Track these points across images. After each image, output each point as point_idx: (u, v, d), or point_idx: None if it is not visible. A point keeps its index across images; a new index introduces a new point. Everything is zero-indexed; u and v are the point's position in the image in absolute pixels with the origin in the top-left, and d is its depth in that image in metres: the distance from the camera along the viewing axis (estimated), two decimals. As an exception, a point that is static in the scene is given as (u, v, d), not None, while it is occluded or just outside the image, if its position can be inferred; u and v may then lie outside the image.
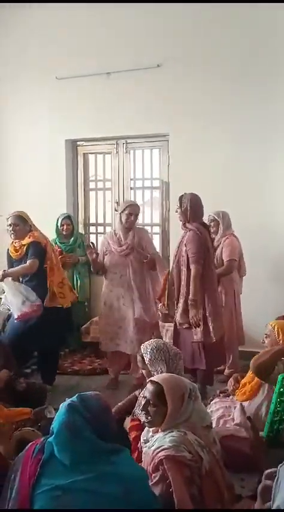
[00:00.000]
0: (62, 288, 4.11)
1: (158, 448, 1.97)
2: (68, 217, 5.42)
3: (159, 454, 1.93)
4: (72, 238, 5.37)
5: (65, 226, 5.33)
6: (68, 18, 5.53)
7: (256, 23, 4.82)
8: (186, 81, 5.14)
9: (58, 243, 5.26)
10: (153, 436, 2.11)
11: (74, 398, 1.73)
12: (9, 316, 4.31)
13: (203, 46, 5.05)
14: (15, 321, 3.99)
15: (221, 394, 3.38)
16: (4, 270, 4.03)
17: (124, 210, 4.27)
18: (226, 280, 4.32)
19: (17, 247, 4.05)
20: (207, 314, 3.77)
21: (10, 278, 4.07)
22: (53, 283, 4.04)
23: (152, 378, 2.21)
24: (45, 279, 4.02)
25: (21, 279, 4.11)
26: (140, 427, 2.49)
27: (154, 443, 2.03)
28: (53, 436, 1.66)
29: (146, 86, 5.30)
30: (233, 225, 4.51)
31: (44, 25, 5.66)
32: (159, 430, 2.08)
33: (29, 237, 4.00)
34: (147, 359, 2.64)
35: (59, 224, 5.33)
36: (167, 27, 5.16)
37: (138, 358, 2.76)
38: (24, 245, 4.00)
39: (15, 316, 3.93)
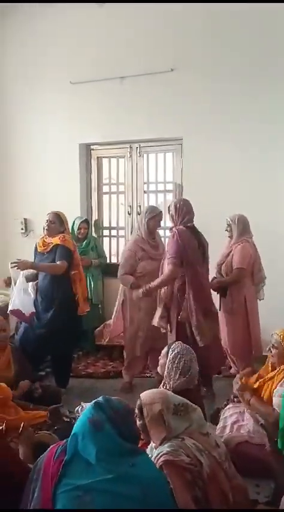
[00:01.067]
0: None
1: (158, 454, 1.99)
2: (85, 220, 5.45)
3: (159, 460, 1.95)
4: (85, 241, 5.38)
5: (82, 230, 5.34)
6: (82, 23, 5.58)
7: (269, 27, 4.82)
8: (199, 85, 5.15)
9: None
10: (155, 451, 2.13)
11: (100, 398, 1.76)
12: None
13: (216, 50, 5.06)
14: (27, 327, 4.10)
15: (235, 399, 3.37)
16: (33, 262, 4.11)
17: (153, 216, 4.27)
18: (234, 287, 4.21)
19: (46, 242, 4.14)
20: (185, 317, 3.74)
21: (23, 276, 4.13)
22: (80, 291, 4.17)
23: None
24: (69, 285, 4.10)
25: (38, 279, 4.16)
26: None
27: (154, 453, 2.05)
28: (77, 430, 1.68)
29: (160, 90, 5.32)
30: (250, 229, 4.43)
31: (59, 31, 5.71)
32: (159, 444, 2.08)
33: (60, 239, 4.08)
34: (169, 356, 2.73)
35: (75, 227, 5.30)
36: (180, 32, 5.18)
37: (166, 348, 2.83)
38: (52, 243, 4.08)
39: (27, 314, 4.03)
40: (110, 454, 1.62)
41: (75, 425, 1.75)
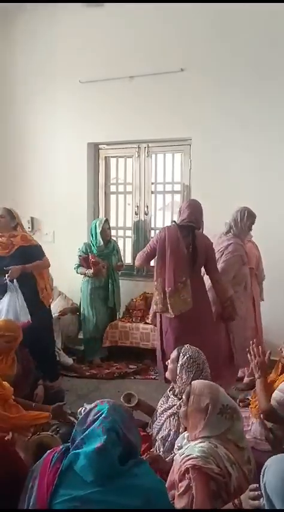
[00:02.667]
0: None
1: (187, 456, 1.94)
2: (107, 221, 5.30)
3: (187, 463, 1.90)
4: (109, 244, 5.24)
5: (107, 231, 5.18)
6: (91, 23, 5.55)
7: (279, 27, 4.75)
8: (209, 86, 5.10)
9: (94, 249, 5.13)
10: (187, 444, 2.07)
11: (112, 415, 1.66)
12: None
13: (226, 50, 5.00)
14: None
15: (241, 404, 3.31)
16: (23, 266, 3.97)
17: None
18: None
19: (5, 244, 4.00)
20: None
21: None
22: (46, 283, 4.26)
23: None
24: (33, 281, 4.12)
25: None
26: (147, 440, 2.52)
27: (185, 451, 2.00)
28: (79, 447, 1.62)
29: (169, 90, 5.27)
30: (256, 229, 4.41)
31: (69, 30, 5.69)
32: (193, 438, 2.05)
33: (22, 239, 4.03)
34: (181, 360, 2.67)
35: (98, 230, 5.09)
36: (191, 31, 5.13)
37: (175, 353, 2.75)
38: (14, 245, 3.99)
39: (25, 320, 3.92)
40: (112, 475, 1.57)
41: (72, 437, 1.69)
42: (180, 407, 2.59)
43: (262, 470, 1.61)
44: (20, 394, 3.17)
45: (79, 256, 5.11)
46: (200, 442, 1.98)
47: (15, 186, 6.13)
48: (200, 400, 2.04)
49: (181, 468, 1.92)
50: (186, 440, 2.11)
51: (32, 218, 6.06)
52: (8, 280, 3.91)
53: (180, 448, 2.14)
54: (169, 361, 2.80)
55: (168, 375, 2.82)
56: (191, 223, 3.75)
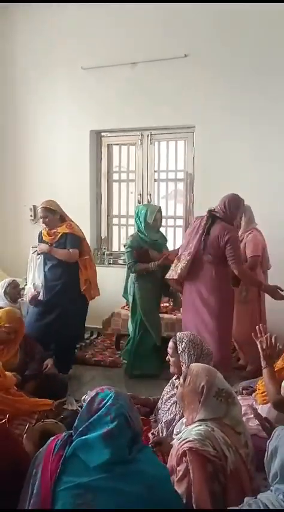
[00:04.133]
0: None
1: (183, 439, 1.95)
2: (161, 209, 4.54)
3: (184, 446, 1.91)
4: (159, 234, 4.57)
5: (158, 222, 4.48)
6: (93, 8, 5.46)
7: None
8: (213, 72, 5.05)
9: (146, 239, 4.37)
10: (184, 429, 2.09)
11: (118, 401, 1.66)
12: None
13: (230, 36, 4.95)
14: (34, 311, 4.18)
15: (244, 392, 3.32)
16: (50, 247, 4.11)
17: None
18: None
19: (51, 232, 4.15)
20: None
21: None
22: (90, 277, 4.23)
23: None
24: (76, 272, 4.13)
25: (46, 263, 4.19)
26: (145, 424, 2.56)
27: (182, 435, 2.02)
28: (89, 437, 1.62)
29: (172, 77, 5.22)
30: (259, 218, 4.40)
31: (70, 16, 5.62)
32: (190, 422, 2.06)
33: (67, 227, 4.10)
34: (180, 348, 2.69)
35: (149, 217, 4.33)
36: (194, 16, 5.06)
37: (170, 344, 2.77)
38: (59, 233, 4.10)
39: (31, 292, 4.15)
40: (112, 464, 1.57)
41: (75, 425, 1.69)
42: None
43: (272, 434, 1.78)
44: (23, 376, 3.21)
45: (131, 251, 4.31)
46: (197, 426, 2.00)
47: (17, 174, 6.11)
48: (196, 382, 2.06)
49: (179, 451, 1.94)
50: (184, 426, 2.12)
51: (35, 206, 6.03)
52: (34, 253, 4.17)
53: (179, 433, 2.15)
54: (168, 356, 2.81)
55: (172, 369, 2.82)
56: (216, 212, 3.81)
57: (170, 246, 5.69)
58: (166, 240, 4.60)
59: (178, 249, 4.06)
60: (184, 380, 2.11)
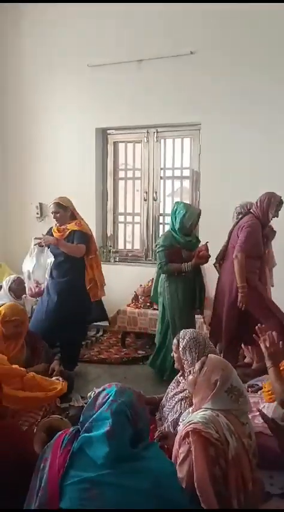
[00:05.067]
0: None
1: (187, 422, 1.97)
2: (200, 214, 4.21)
3: (187, 427, 1.93)
4: (192, 235, 4.27)
5: (195, 226, 4.22)
6: (99, 6, 5.45)
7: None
8: (219, 69, 5.03)
9: (179, 239, 4.07)
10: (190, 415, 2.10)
11: (120, 398, 1.67)
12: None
13: (236, 33, 4.92)
14: (39, 309, 4.22)
15: (250, 389, 3.32)
16: (56, 238, 4.11)
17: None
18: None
19: (61, 229, 4.16)
20: None
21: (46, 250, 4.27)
22: (96, 277, 4.21)
23: None
24: (82, 270, 4.14)
25: (53, 259, 4.21)
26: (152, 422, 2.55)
27: (187, 419, 2.04)
28: (93, 434, 1.63)
29: (179, 74, 5.21)
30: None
31: (77, 13, 5.61)
32: (197, 409, 2.08)
33: (76, 224, 4.11)
34: (181, 344, 2.70)
35: (189, 221, 4.02)
36: (201, 14, 5.04)
37: (174, 341, 2.79)
38: (68, 229, 4.10)
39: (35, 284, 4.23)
40: (118, 460, 1.57)
41: (80, 421, 1.69)
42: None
43: None
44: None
45: (163, 250, 4.05)
46: (202, 411, 2.01)
47: (24, 171, 6.13)
48: (211, 374, 2.07)
49: (182, 433, 1.95)
50: (190, 414, 2.13)
51: (41, 204, 6.06)
52: (37, 244, 4.19)
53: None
54: (173, 351, 2.82)
55: (176, 364, 2.82)
56: (249, 209, 4.12)
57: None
58: (199, 241, 4.25)
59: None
60: (200, 369, 2.11)
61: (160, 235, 4.26)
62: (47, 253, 4.29)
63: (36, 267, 4.33)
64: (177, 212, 4.05)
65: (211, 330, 4.28)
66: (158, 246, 4.14)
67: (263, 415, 2.74)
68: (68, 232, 4.10)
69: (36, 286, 4.37)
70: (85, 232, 4.13)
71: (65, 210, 4.14)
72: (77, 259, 4.08)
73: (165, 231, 4.23)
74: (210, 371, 2.08)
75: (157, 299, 4.32)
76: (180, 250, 4.05)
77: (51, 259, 4.29)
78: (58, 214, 4.14)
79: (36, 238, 4.19)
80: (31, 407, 2.88)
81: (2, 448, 1.83)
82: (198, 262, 4.03)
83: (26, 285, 4.47)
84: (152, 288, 4.47)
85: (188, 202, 4.22)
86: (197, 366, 2.14)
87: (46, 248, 4.23)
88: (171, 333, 3.99)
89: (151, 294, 4.50)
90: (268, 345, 2.59)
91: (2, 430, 1.92)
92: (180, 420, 2.29)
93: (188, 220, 4.00)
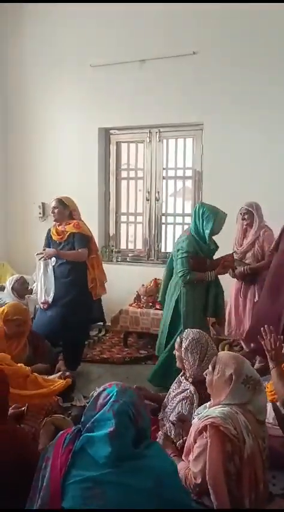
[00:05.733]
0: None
1: (205, 416, 1.99)
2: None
3: (205, 421, 1.94)
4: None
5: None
6: (102, 6, 5.45)
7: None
8: (222, 69, 5.03)
9: (204, 245, 3.82)
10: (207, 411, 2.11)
11: (122, 398, 1.66)
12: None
13: (240, 33, 4.92)
14: (41, 311, 4.20)
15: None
16: (56, 250, 4.12)
17: None
18: (264, 274, 4.11)
19: (60, 231, 4.16)
20: None
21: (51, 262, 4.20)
22: (97, 276, 4.21)
23: None
24: (84, 271, 4.14)
25: (55, 261, 4.19)
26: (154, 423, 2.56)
27: (204, 413, 2.05)
28: (95, 434, 1.63)
29: (181, 74, 5.21)
30: (268, 215, 4.38)
31: (79, 13, 5.61)
32: (215, 404, 2.09)
33: (74, 226, 4.10)
34: (184, 345, 2.70)
35: (219, 227, 3.78)
36: (203, 14, 5.04)
37: (178, 340, 2.79)
38: (67, 232, 4.11)
39: (43, 299, 4.13)
40: (120, 459, 1.58)
41: (83, 421, 1.70)
42: (192, 392, 2.61)
43: None
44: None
45: (187, 257, 3.73)
46: (221, 407, 2.02)
47: (26, 171, 6.14)
48: (225, 370, 2.08)
49: (199, 426, 1.96)
50: (207, 409, 2.15)
51: (43, 204, 6.06)
52: (41, 260, 4.12)
53: (199, 415, 2.17)
54: (175, 349, 2.82)
55: (177, 363, 2.83)
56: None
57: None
58: (217, 247, 3.98)
59: (232, 253, 4.03)
60: (213, 368, 2.13)
61: (180, 239, 3.82)
62: (51, 264, 4.23)
63: (46, 280, 4.25)
64: (204, 216, 3.70)
65: (250, 331, 3.91)
66: (181, 252, 3.74)
67: (276, 410, 2.74)
68: (67, 235, 4.11)
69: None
70: (85, 234, 4.13)
71: (64, 207, 4.15)
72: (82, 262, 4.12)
73: (183, 234, 3.87)
74: (223, 368, 2.10)
75: (164, 301, 4.08)
76: (205, 258, 3.81)
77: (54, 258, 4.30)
78: (56, 210, 4.16)
79: (38, 254, 4.15)
80: (35, 403, 2.87)
81: (2, 449, 1.83)
82: (221, 272, 3.87)
83: (41, 300, 4.27)
84: (161, 291, 4.23)
85: (212, 205, 3.80)
86: (210, 366, 2.15)
87: (49, 260, 4.17)
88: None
89: (160, 296, 4.27)
90: (269, 348, 2.61)
91: (4, 433, 1.92)
92: (195, 414, 2.29)
93: (219, 226, 3.73)
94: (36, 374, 3.11)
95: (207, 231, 3.68)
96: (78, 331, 4.24)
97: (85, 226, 4.21)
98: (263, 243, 4.23)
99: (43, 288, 4.17)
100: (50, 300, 4.15)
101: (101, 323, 5.18)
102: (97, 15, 5.52)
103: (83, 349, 4.55)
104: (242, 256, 4.36)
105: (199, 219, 3.73)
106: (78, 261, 4.11)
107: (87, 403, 3.07)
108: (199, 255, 3.78)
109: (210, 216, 3.67)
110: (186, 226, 5.67)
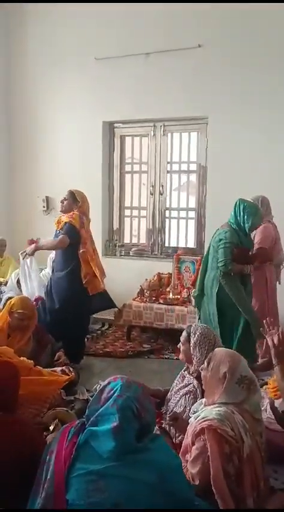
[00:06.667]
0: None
1: (202, 418, 1.98)
2: None
3: (203, 424, 1.94)
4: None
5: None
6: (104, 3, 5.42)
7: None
8: (227, 63, 4.99)
9: (243, 239, 3.81)
10: (203, 408, 2.11)
11: (126, 392, 1.67)
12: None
13: (245, 26, 4.89)
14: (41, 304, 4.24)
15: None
16: (36, 244, 4.20)
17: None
18: (255, 268, 4.03)
19: (59, 220, 4.21)
20: None
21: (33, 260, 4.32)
22: (90, 271, 4.17)
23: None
24: (78, 265, 4.12)
25: (52, 256, 4.29)
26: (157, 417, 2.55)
27: (201, 414, 2.04)
28: (99, 429, 1.64)
29: (186, 67, 5.18)
30: (272, 210, 4.37)
31: (83, 7, 5.56)
32: (210, 403, 2.09)
33: (68, 216, 4.13)
34: (192, 340, 2.70)
35: (260, 220, 3.86)
36: (208, 7, 4.98)
37: (184, 333, 2.79)
38: (62, 221, 4.15)
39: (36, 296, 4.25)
40: (124, 453, 1.59)
41: (86, 414, 1.71)
42: (195, 386, 2.62)
43: None
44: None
45: (230, 248, 3.68)
46: (217, 407, 2.02)
47: (30, 165, 6.13)
48: (219, 367, 2.08)
49: (196, 428, 1.96)
50: (202, 405, 2.15)
51: (47, 197, 6.07)
52: (24, 259, 4.22)
53: (195, 413, 2.17)
54: (181, 343, 2.82)
55: (181, 356, 2.83)
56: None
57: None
58: (254, 242, 4.06)
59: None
60: (208, 364, 2.13)
61: (221, 231, 3.77)
62: (32, 263, 4.36)
63: (28, 280, 4.39)
64: (245, 210, 3.73)
65: None
66: (224, 242, 3.70)
67: (273, 408, 2.74)
68: (62, 224, 4.15)
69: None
70: (73, 225, 4.09)
71: (73, 201, 4.17)
72: (72, 253, 4.09)
73: (222, 227, 3.82)
74: (217, 365, 2.09)
75: (200, 302, 3.95)
76: (247, 249, 3.83)
77: (51, 255, 4.32)
78: (65, 202, 4.21)
79: (21, 253, 4.29)
80: (39, 390, 2.89)
81: (13, 440, 1.85)
82: (256, 267, 3.87)
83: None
84: (197, 286, 4.05)
85: (251, 201, 3.86)
86: (205, 362, 2.15)
87: (32, 258, 4.31)
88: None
89: (197, 291, 4.04)
90: (276, 343, 2.53)
91: (13, 424, 1.94)
92: (191, 410, 2.30)
93: (258, 221, 3.81)
94: (40, 367, 3.14)
95: (248, 225, 3.73)
96: (73, 325, 4.18)
97: (78, 218, 4.14)
98: (256, 234, 4.16)
99: (28, 288, 4.28)
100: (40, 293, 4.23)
101: (106, 317, 5.19)
102: (102, 8, 5.47)
103: (83, 342, 4.53)
104: None
105: (240, 214, 3.77)
106: (71, 255, 4.10)
107: (91, 396, 3.12)
108: (244, 247, 3.79)
109: (251, 211, 3.74)
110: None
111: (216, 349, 2.23)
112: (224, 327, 3.70)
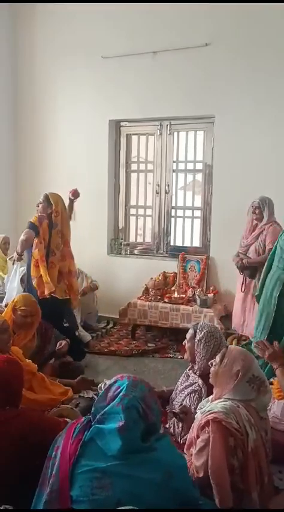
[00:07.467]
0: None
1: (208, 411, 2.00)
2: None
3: (208, 416, 1.95)
4: None
5: None
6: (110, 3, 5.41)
7: None
8: (234, 61, 4.97)
9: None
10: (210, 405, 2.12)
11: (132, 392, 1.66)
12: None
13: (253, 25, 4.85)
14: None
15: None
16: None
17: None
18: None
19: None
20: None
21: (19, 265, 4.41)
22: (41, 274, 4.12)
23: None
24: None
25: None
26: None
27: (206, 408, 2.06)
28: (105, 427, 1.64)
29: (193, 66, 5.16)
30: (277, 210, 4.37)
31: (90, 5, 5.56)
32: (217, 398, 2.10)
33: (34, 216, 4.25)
34: (198, 336, 2.70)
35: None
36: (216, 5, 4.96)
37: (190, 330, 2.79)
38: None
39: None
40: (130, 452, 1.59)
41: (92, 412, 1.71)
42: (200, 385, 2.62)
43: None
44: (40, 359, 3.31)
45: None
46: (223, 401, 2.03)
47: (36, 163, 6.14)
48: (232, 365, 2.09)
49: (202, 421, 1.97)
50: (209, 402, 2.16)
51: (53, 196, 6.06)
52: (14, 261, 4.37)
53: (202, 409, 2.18)
54: (186, 340, 2.81)
55: (185, 355, 2.83)
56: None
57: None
58: None
59: None
60: (221, 360, 2.14)
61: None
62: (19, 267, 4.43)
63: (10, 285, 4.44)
64: None
65: None
66: None
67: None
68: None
69: None
70: (32, 221, 4.18)
71: (47, 204, 4.20)
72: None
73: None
74: (231, 362, 2.10)
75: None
76: None
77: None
78: (40, 206, 4.25)
79: (10, 259, 4.41)
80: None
81: (22, 432, 1.87)
82: None
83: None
84: (259, 285, 3.87)
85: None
86: (218, 357, 2.16)
87: (18, 264, 4.39)
88: None
89: (257, 292, 3.90)
90: (265, 354, 2.68)
91: (19, 416, 1.96)
92: (198, 408, 2.30)
93: None
94: (43, 375, 3.16)
95: None
96: (54, 324, 3.95)
97: (37, 215, 4.21)
98: (266, 237, 4.23)
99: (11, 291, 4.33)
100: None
101: (110, 315, 5.17)
102: (109, 6, 5.47)
103: (77, 340, 4.43)
104: (246, 250, 4.39)
105: None
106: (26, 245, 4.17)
107: (95, 395, 3.12)
108: None
109: None
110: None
111: (231, 347, 2.24)
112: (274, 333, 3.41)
